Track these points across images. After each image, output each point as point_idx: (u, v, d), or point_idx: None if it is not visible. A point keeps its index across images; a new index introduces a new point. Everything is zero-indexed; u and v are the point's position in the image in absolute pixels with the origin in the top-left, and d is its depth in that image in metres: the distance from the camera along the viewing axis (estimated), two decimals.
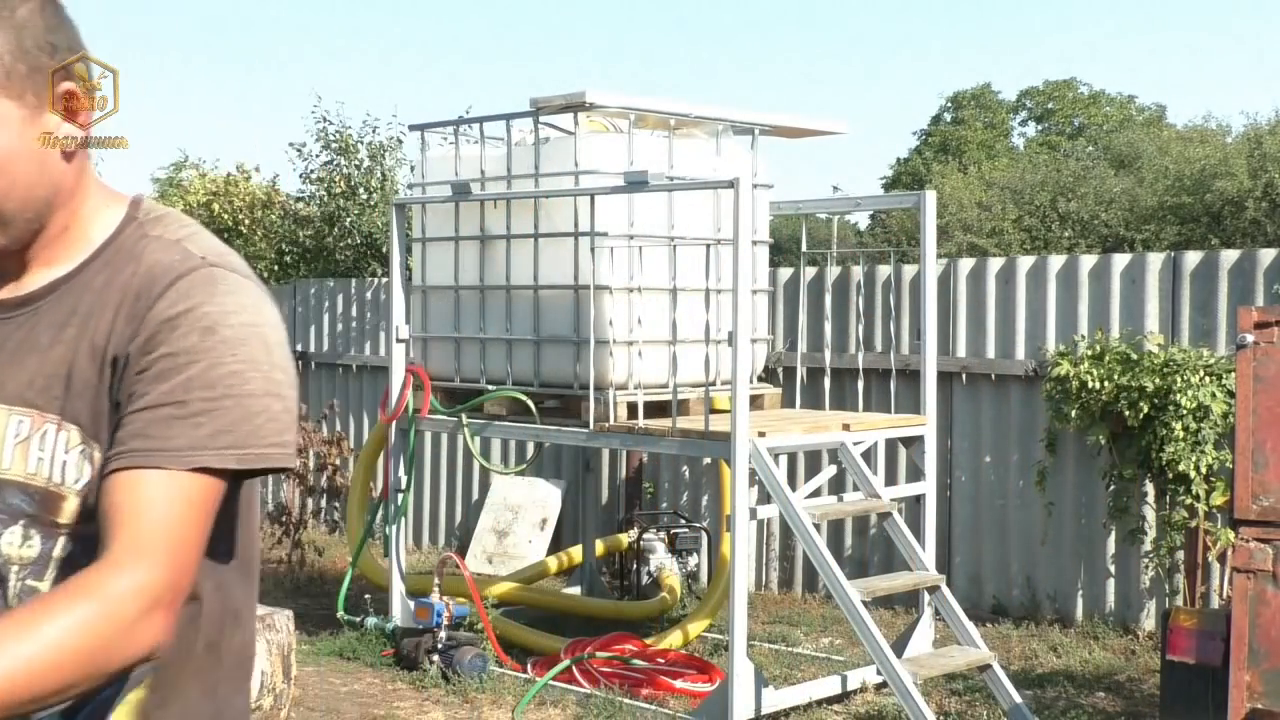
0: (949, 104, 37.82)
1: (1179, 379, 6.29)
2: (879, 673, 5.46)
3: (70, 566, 1.34)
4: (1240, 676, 3.85)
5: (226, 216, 11.39)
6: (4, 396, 1.39)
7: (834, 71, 70.06)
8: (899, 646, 5.78)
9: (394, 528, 6.69)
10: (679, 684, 5.85)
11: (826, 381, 7.13)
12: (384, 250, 10.67)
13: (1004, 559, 7.32)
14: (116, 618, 1.24)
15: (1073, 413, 6.71)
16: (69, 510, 1.37)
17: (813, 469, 7.46)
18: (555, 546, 8.42)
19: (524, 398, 6.10)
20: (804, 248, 7.57)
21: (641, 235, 5.99)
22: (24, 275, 1.41)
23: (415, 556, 8.76)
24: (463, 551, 7.29)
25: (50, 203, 1.39)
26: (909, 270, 7.55)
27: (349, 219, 11.23)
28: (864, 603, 5.28)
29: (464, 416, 6.38)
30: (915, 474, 6.46)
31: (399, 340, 6.62)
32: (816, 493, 6.33)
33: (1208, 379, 6.30)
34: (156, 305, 1.35)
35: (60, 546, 1.37)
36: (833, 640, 6.86)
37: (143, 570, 1.26)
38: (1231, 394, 5.72)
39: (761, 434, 5.50)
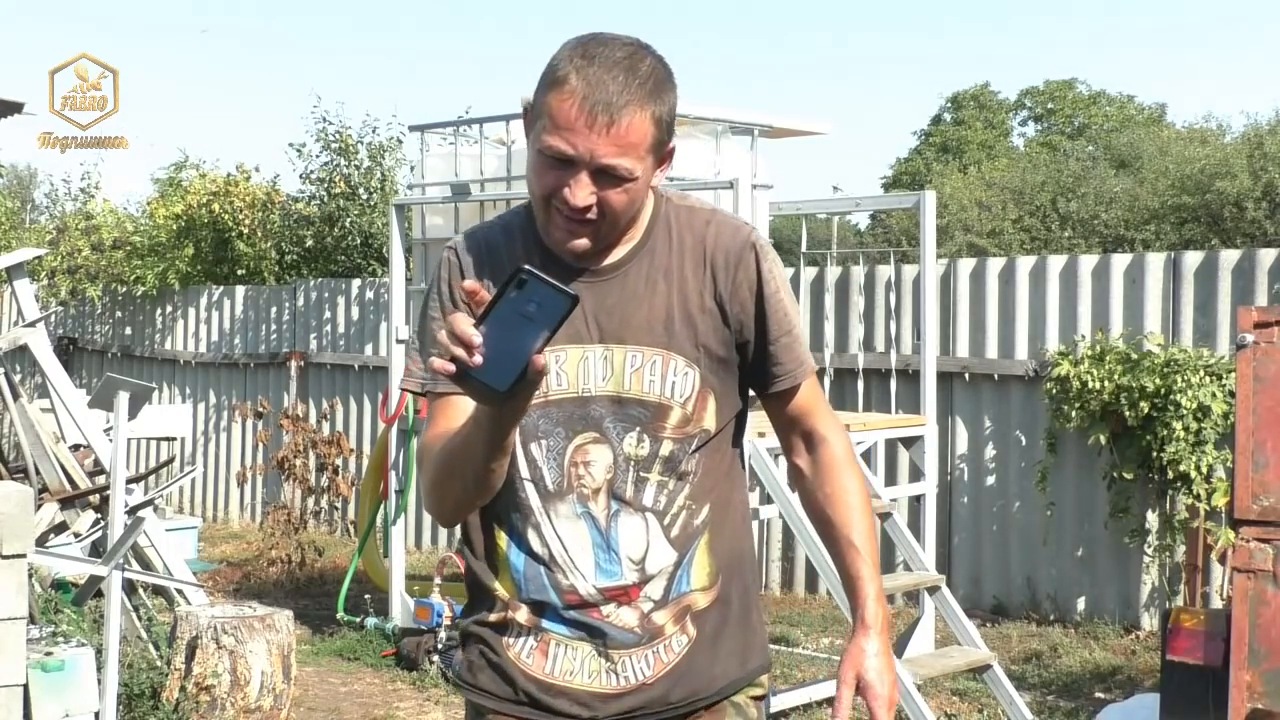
0: (949, 104, 37.79)
1: (1179, 379, 6.29)
2: None
3: (670, 463, 1.86)
4: (1241, 677, 3.85)
5: (227, 217, 11.38)
6: (618, 339, 1.85)
7: (833, 72, 70.05)
8: (899, 646, 5.78)
9: (394, 528, 6.69)
10: None
11: (827, 382, 7.13)
12: (384, 251, 10.67)
13: (1004, 559, 7.32)
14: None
15: (1073, 413, 6.71)
16: (673, 419, 1.86)
17: None
18: None
19: None
20: (804, 248, 7.57)
21: None
22: (608, 250, 1.86)
23: (415, 556, 8.76)
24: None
25: (635, 218, 1.88)
26: (909, 270, 7.55)
27: (349, 219, 11.23)
28: None
29: None
30: (915, 474, 6.46)
31: (399, 341, 6.62)
32: None
33: (1208, 379, 6.30)
34: (745, 258, 1.90)
35: (664, 447, 1.86)
36: (833, 640, 6.86)
37: (842, 431, 2.01)
38: (1232, 394, 5.72)
39: (761, 434, 5.50)
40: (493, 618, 1.90)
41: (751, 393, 1.99)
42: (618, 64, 1.74)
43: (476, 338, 1.48)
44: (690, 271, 1.88)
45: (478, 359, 1.48)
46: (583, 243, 1.80)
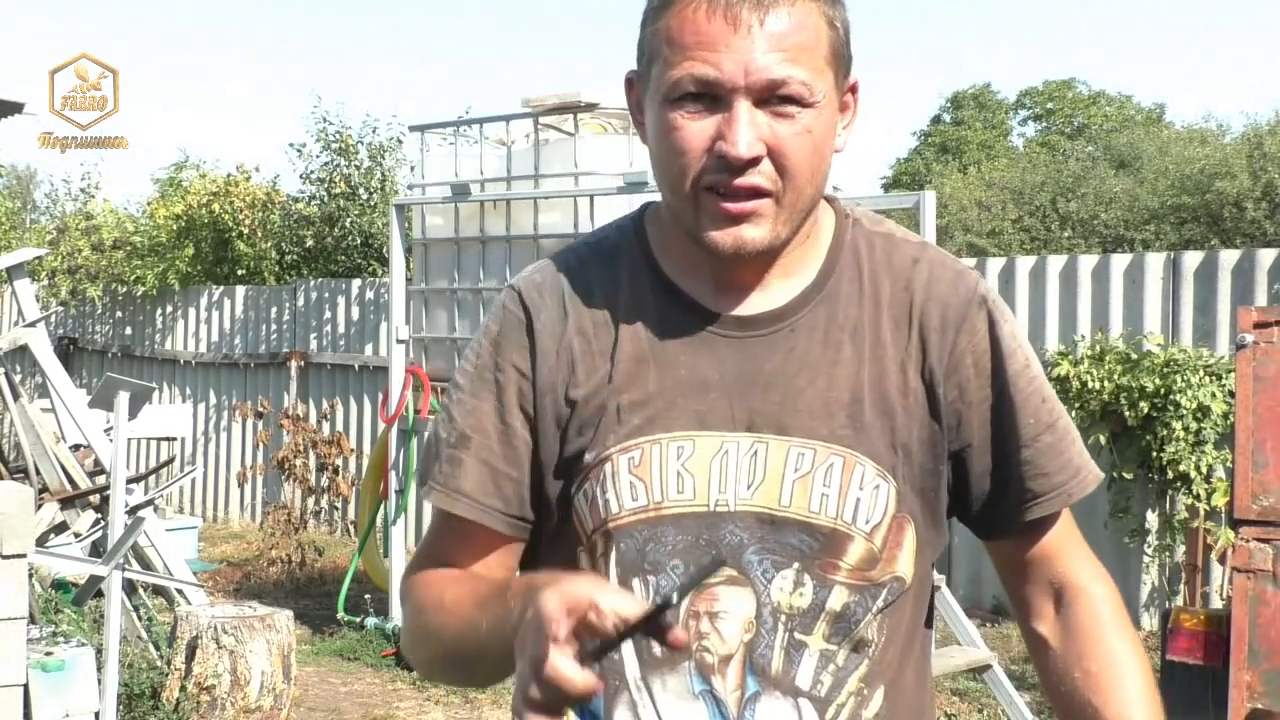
0: (949, 104, 37.81)
1: (1179, 379, 6.29)
2: None
3: (843, 624, 1.22)
4: (1240, 676, 3.85)
5: (227, 217, 11.38)
6: (777, 427, 1.21)
7: None
8: None
9: (394, 528, 6.70)
10: None
11: None
12: (384, 251, 10.67)
13: None
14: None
15: (1073, 413, 6.71)
16: (853, 554, 1.22)
17: None
18: None
19: None
20: None
21: None
22: (761, 285, 1.25)
23: None
24: None
25: (820, 197, 1.25)
26: None
27: (349, 219, 11.24)
28: None
29: None
30: None
31: (399, 341, 6.62)
32: None
33: (1208, 379, 6.30)
34: (971, 319, 1.27)
35: (835, 596, 1.22)
36: None
37: (1105, 576, 1.35)
38: (1231, 394, 5.72)
39: None
40: None
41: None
42: None
43: (595, 685, 0.97)
44: (890, 332, 1.25)
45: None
46: (755, 234, 1.18)
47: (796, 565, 1.20)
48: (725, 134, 1.14)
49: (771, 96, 1.15)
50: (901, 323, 1.26)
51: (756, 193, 1.16)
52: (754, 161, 1.15)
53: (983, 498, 1.29)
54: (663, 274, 1.27)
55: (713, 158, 1.15)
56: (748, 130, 1.14)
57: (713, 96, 1.15)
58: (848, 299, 1.26)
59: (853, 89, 1.25)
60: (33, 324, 6.65)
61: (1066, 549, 1.33)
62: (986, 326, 1.27)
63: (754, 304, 1.25)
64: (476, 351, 1.29)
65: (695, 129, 1.16)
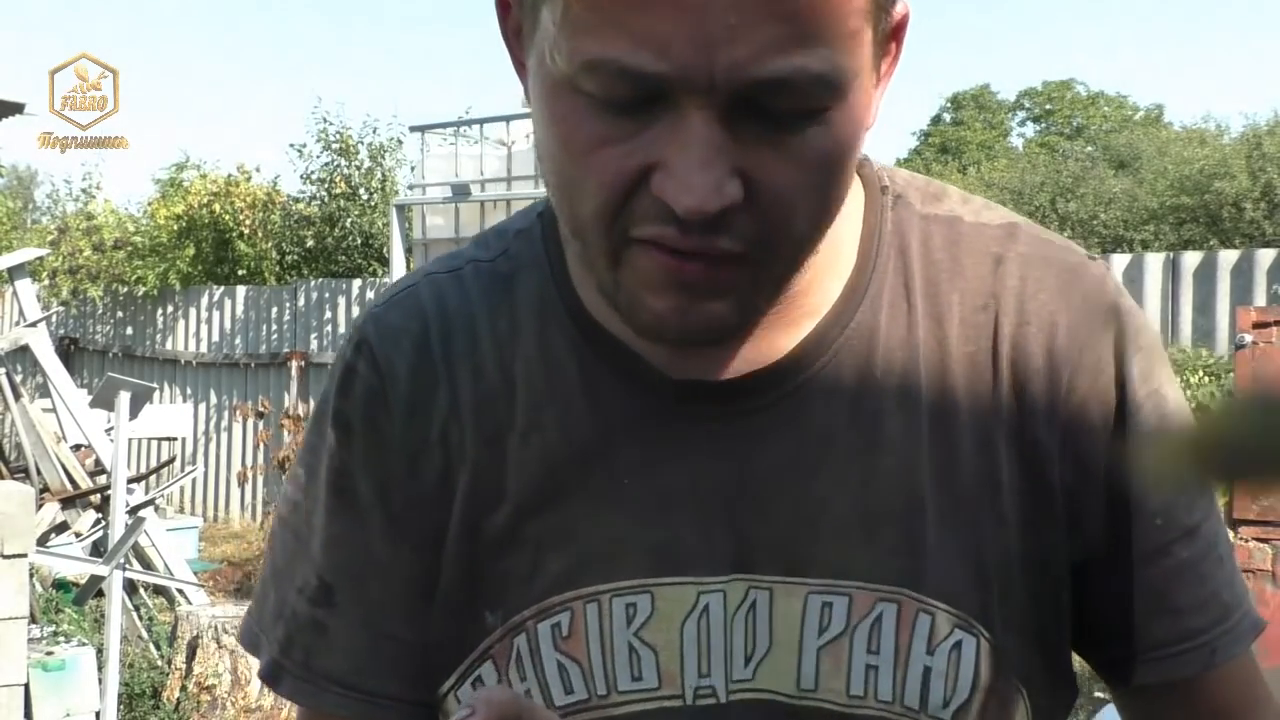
0: (948, 104, 37.85)
1: (1178, 379, 6.30)
2: None
3: None
4: None
5: (227, 217, 11.41)
6: (785, 564, 0.74)
7: None
8: None
9: None
10: None
11: None
12: (384, 251, 10.69)
13: None
14: None
15: None
16: None
17: None
18: None
19: None
20: None
21: None
22: (749, 328, 0.74)
23: None
24: None
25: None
26: None
27: (349, 220, 11.25)
28: None
29: None
30: None
31: None
32: None
33: (1207, 379, 6.31)
34: (1095, 345, 0.76)
35: None
36: None
37: None
38: (1230, 394, 5.74)
39: None
40: None
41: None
42: None
43: None
44: (963, 384, 0.76)
45: None
46: (718, 310, 0.68)
47: None
48: (669, 165, 0.63)
49: (757, 99, 0.62)
50: (983, 365, 0.75)
51: (719, 258, 0.66)
52: (720, 214, 0.64)
53: (1098, 629, 0.79)
54: (586, 314, 0.77)
55: (648, 197, 0.65)
56: (713, 166, 0.62)
57: (649, 92, 0.62)
58: (890, 335, 0.76)
59: (903, 23, 0.69)
60: (34, 324, 6.66)
61: (1244, 705, 0.81)
62: (1114, 356, 0.76)
63: (737, 358, 0.75)
64: (328, 447, 0.80)
65: (614, 151, 0.64)
